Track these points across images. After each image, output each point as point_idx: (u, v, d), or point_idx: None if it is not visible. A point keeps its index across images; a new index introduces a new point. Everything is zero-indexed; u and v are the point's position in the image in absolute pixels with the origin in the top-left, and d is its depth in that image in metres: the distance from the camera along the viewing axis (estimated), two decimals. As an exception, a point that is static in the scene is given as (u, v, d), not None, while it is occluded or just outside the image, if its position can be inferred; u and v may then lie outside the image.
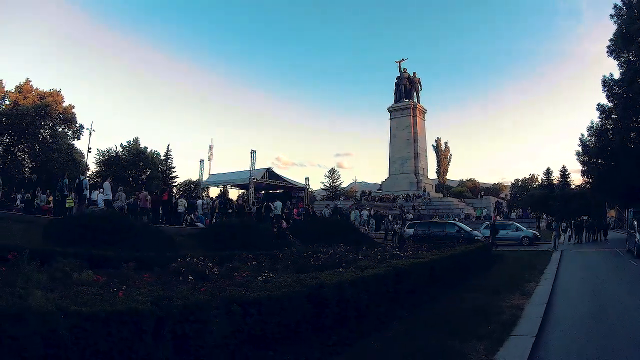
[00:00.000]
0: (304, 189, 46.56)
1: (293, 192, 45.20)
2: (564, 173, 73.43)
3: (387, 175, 58.92)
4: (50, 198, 22.86)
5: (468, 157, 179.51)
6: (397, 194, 52.37)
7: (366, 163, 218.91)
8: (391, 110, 59.19)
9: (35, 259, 6.59)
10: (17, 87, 50.94)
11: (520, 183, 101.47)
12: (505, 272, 15.13)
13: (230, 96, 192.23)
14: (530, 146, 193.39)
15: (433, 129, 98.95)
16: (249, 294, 5.65)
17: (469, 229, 28.17)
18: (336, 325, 6.86)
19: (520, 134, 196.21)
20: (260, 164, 43.06)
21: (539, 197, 67.46)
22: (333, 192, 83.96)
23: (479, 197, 60.45)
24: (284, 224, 25.07)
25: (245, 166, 42.95)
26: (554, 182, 74.12)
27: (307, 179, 47.24)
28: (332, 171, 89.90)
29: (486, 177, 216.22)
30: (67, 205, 19.76)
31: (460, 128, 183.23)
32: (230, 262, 9.97)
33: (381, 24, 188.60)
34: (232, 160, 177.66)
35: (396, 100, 59.36)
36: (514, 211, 54.00)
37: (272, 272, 8.19)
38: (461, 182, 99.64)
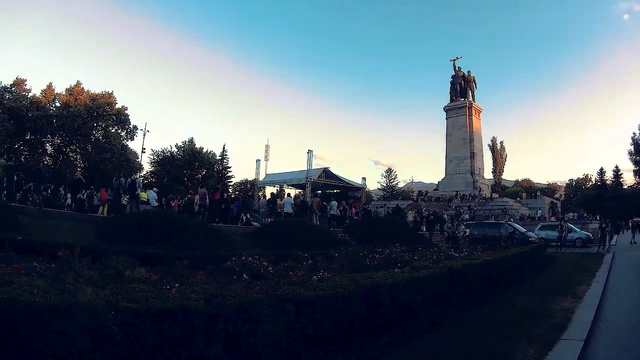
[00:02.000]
0: (360, 188, 46.12)
1: (350, 192, 44.86)
2: (617, 173, 70.42)
3: (443, 175, 57.99)
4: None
5: (523, 156, 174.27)
6: (453, 194, 51.47)
7: (415, 162, 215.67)
8: (447, 109, 58.00)
9: (87, 256, 6.61)
10: (67, 90, 52.09)
11: (574, 183, 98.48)
12: (558, 274, 15.04)
13: (284, 97, 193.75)
14: (586, 145, 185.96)
15: (488, 128, 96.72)
16: (303, 293, 5.57)
17: (523, 230, 27.89)
18: (389, 326, 6.78)
19: (576, 132, 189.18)
20: (304, 164, 42.95)
21: (592, 198, 64.85)
22: (390, 192, 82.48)
23: (534, 197, 58.44)
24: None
25: (298, 166, 42.93)
26: (607, 182, 71.12)
27: (363, 179, 46.61)
28: (389, 171, 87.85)
29: (541, 176, 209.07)
30: (123, 202, 20.22)
31: (516, 127, 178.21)
32: (286, 261, 9.82)
33: (435, 21, 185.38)
34: (284, 159, 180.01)
35: (451, 100, 58.21)
36: (570, 212, 52.10)
37: (327, 272, 8.00)
38: (516, 182, 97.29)
